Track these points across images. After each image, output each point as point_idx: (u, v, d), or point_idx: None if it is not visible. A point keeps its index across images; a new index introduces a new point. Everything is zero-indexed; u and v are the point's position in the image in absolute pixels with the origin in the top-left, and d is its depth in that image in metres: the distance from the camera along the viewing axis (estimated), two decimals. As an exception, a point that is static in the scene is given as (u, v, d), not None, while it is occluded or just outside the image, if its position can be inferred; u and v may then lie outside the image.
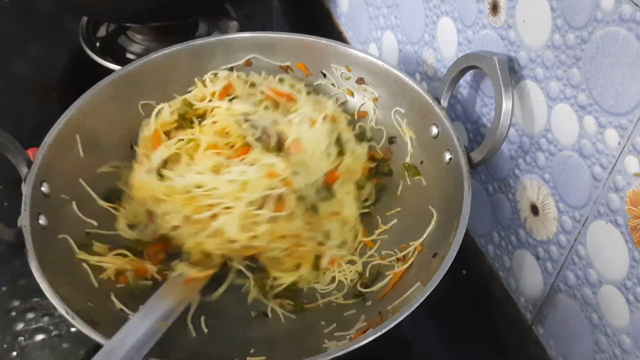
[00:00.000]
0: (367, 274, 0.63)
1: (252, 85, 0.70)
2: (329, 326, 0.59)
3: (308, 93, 0.71)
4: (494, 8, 0.58)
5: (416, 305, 0.49)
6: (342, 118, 0.69)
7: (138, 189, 0.61)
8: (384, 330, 0.48)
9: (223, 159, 0.60)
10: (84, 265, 0.58)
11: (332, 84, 0.73)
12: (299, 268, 0.62)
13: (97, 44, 0.91)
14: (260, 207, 0.57)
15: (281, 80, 0.72)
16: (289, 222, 0.58)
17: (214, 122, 0.63)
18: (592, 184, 0.51)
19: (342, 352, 0.47)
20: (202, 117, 0.66)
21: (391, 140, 0.70)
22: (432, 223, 0.61)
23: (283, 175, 0.58)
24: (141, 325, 0.49)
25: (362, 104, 0.72)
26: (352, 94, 0.73)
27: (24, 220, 0.53)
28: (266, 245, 0.58)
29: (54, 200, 0.58)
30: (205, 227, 0.57)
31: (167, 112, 0.67)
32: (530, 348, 0.64)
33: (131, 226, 0.64)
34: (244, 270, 0.62)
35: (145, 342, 0.48)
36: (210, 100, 0.67)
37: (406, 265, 0.60)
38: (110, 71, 0.68)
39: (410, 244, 0.62)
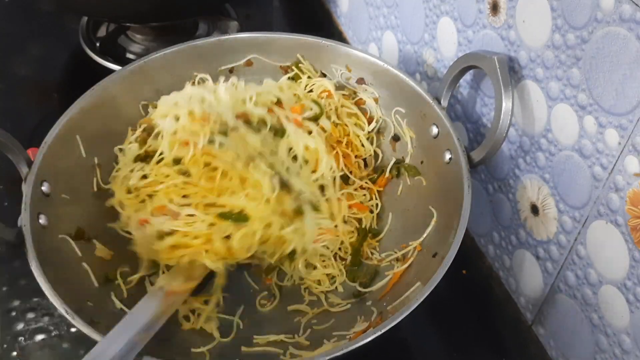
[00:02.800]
0: (367, 274, 0.63)
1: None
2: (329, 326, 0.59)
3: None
4: (494, 8, 0.58)
5: (416, 305, 0.49)
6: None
7: (141, 246, 0.59)
8: (383, 330, 0.48)
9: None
10: (84, 265, 0.58)
11: (332, 84, 0.73)
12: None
13: (97, 44, 0.91)
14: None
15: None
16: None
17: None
18: (592, 184, 0.51)
19: (341, 352, 0.47)
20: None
21: (396, 137, 0.70)
22: (432, 223, 0.61)
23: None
24: (119, 339, 0.47)
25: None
26: (353, 94, 0.73)
27: (24, 220, 0.53)
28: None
29: (54, 200, 0.58)
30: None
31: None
32: (530, 348, 0.63)
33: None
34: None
35: (124, 355, 0.46)
36: None
37: (406, 265, 0.60)
38: (110, 71, 0.68)
39: (410, 243, 0.62)
